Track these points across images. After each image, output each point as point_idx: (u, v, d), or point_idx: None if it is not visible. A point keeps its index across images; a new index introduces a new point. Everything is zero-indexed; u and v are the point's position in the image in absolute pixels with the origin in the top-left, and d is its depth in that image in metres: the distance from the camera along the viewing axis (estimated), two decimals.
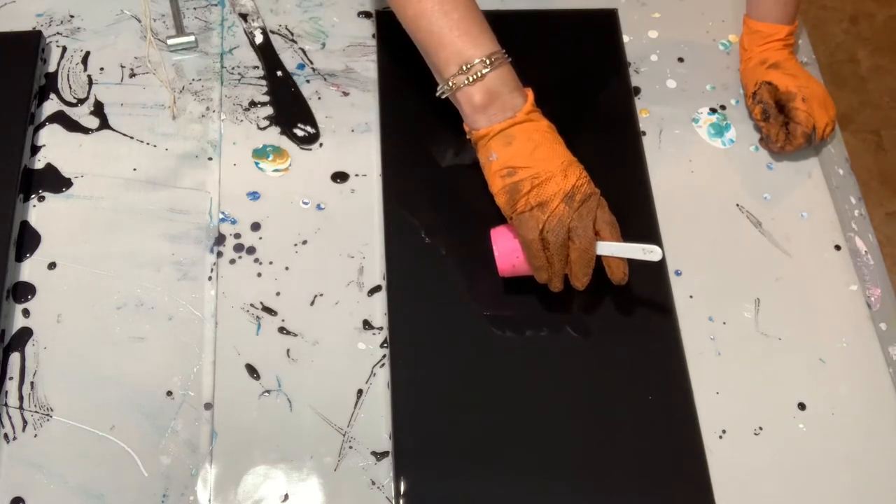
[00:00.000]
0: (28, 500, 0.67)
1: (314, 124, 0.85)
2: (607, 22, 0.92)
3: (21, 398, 0.71)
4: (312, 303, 0.76)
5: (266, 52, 0.89)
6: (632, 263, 0.71)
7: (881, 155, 1.77)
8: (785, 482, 0.70)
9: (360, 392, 0.72)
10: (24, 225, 0.78)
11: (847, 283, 0.80)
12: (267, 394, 0.72)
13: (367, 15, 0.92)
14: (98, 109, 0.84)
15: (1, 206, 0.76)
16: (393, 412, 0.70)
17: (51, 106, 0.84)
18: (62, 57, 0.87)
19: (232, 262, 0.77)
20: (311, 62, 0.89)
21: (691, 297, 0.78)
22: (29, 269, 0.76)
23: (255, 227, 0.79)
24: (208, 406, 0.71)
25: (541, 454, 0.70)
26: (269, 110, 0.85)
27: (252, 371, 0.73)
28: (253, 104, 0.86)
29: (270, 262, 0.78)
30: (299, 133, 0.84)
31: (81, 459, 0.69)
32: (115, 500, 0.67)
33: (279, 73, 0.87)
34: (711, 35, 0.94)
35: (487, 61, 0.69)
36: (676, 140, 0.87)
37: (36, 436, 0.69)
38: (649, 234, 0.79)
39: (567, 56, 0.90)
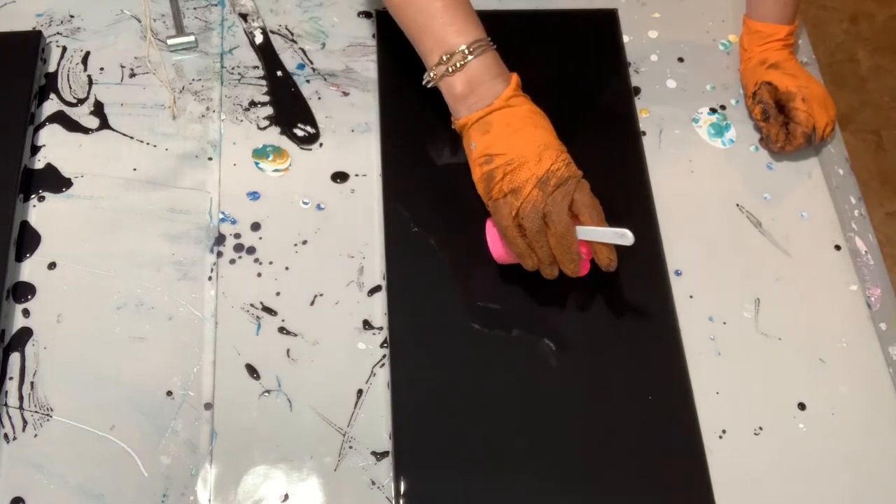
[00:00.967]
0: (28, 500, 0.67)
1: (314, 124, 0.85)
2: (607, 22, 0.92)
3: (21, 398, 0.71)
4: (312, 303, 0.76)
5: (266, 52, 0.89)
6: (632, 263, 0.70)
7: (881, 155, 1.77)
8: (785, 482, 0.70)
9: (360, 392, 0.72)
10: (24, 225, 0.78)
11: (847, 283, 0.80)
12: (267, 394, 0.72)
13: (367, 15, 0.92)
14: (98, 109, 0.84)
15: (1, 206, 0.76)
16: (393, 412, 0.70)
17: (51, 106, 0.84)
18: (62, 57, 0.87)
19: (232, 262, 0.77)
20: (311, 62, 0.89)
21: (691, 297, 0.78)
22: (29, 269, 0.76)
23: (255, 227, 0.79)
24: (208, 406, 0.71)
25: (541, 454, 0.70)
26: (269, 110, 0.85)
27: (252, 371, 0.73)
28: (253, 104, 0.86)
29: (270, 262, 0.77)
30: (299, 133, 0.84)
31: (81, 459, 0.69)
32: (115, 500, 0.67)
33: (279, 73, 0.87)
34: (711, 35, 0.94)
35: (468, 50, 0.68)
36: (676, 140, 0.87)
37: (36, 436, 0.69)
38: (649, 233, 0.79)
39: (567, 56, 0.90)
